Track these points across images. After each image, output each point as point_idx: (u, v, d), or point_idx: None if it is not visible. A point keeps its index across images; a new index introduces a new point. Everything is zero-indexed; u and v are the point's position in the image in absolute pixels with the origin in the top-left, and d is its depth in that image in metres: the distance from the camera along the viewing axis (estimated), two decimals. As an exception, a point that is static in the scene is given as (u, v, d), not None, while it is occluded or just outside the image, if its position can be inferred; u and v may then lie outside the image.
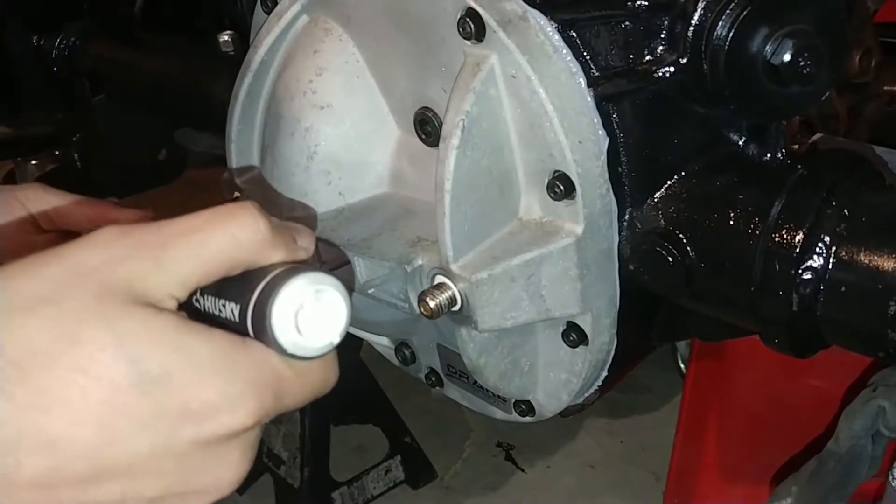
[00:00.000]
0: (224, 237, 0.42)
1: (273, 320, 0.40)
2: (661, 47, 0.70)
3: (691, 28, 0.67)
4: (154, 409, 0.38)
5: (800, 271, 0.63)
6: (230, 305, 0.43)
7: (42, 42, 1.43)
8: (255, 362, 0.41)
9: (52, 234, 0.67)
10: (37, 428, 0.36)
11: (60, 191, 0.70)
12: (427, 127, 0.75)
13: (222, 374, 0.40)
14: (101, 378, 0.37)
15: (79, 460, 0.37)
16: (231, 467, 0.42)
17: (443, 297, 0.69)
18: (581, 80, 0.66)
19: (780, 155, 0.72)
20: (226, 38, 1.04)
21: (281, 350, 0.41)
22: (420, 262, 0.72)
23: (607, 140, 0.67)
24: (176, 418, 0.39)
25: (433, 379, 0.90)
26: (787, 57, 0.66)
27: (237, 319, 0.42)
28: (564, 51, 0.66)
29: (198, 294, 0.44)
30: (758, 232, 0.65)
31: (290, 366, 0.42)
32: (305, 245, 0.47)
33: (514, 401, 0.81)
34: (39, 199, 0.68)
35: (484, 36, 0.66)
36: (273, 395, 0.42)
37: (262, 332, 0.41)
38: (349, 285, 0.44)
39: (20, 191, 0.67)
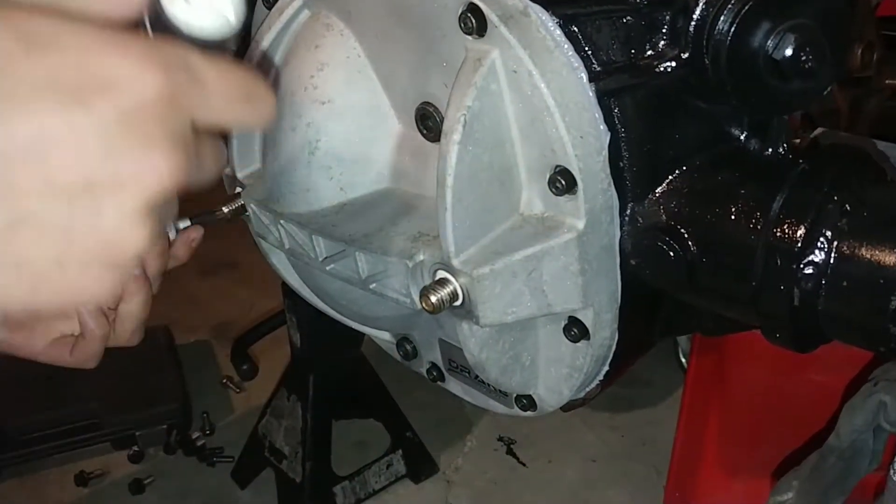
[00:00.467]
0: None
1: None
2: (662, 42, 0.69)
3: (693, 23, 0.67)
4: (50, 72, 0.37)
5: (801, 266, 0.63)
6: None
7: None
8: (151, 41, 0.40)
9: None
10: None
11: None
12: (428, 122, 0.75)
13: (116, 47, 0.38)
14: None
15: None
16: (160, 150, 0.39)
17: (444, 292, 0.69)
18: (583, 74, 0.66)
19: (781, 150, 0.72)
20: (226, 32, 1.04)
21: (176, 30, 0.40)
22: (421, 257, 0.72)
23: (609, 135, 0.67)
24: (80, 85, 0.37)
25: (434, 373, 0.90)
26: (788, 52, 0.66)
27: None
28: (566, 45, 0.66)
29: None
30: (759, 227, 0.65)
31: (196, 50, 0.41)
32: None
33: (515, 395, 0.81)
34: None
35: (485, 31, 0.66)
36: (181, 67, 0.40)
37: (155, 19, 0.40)
38: None
39: None
